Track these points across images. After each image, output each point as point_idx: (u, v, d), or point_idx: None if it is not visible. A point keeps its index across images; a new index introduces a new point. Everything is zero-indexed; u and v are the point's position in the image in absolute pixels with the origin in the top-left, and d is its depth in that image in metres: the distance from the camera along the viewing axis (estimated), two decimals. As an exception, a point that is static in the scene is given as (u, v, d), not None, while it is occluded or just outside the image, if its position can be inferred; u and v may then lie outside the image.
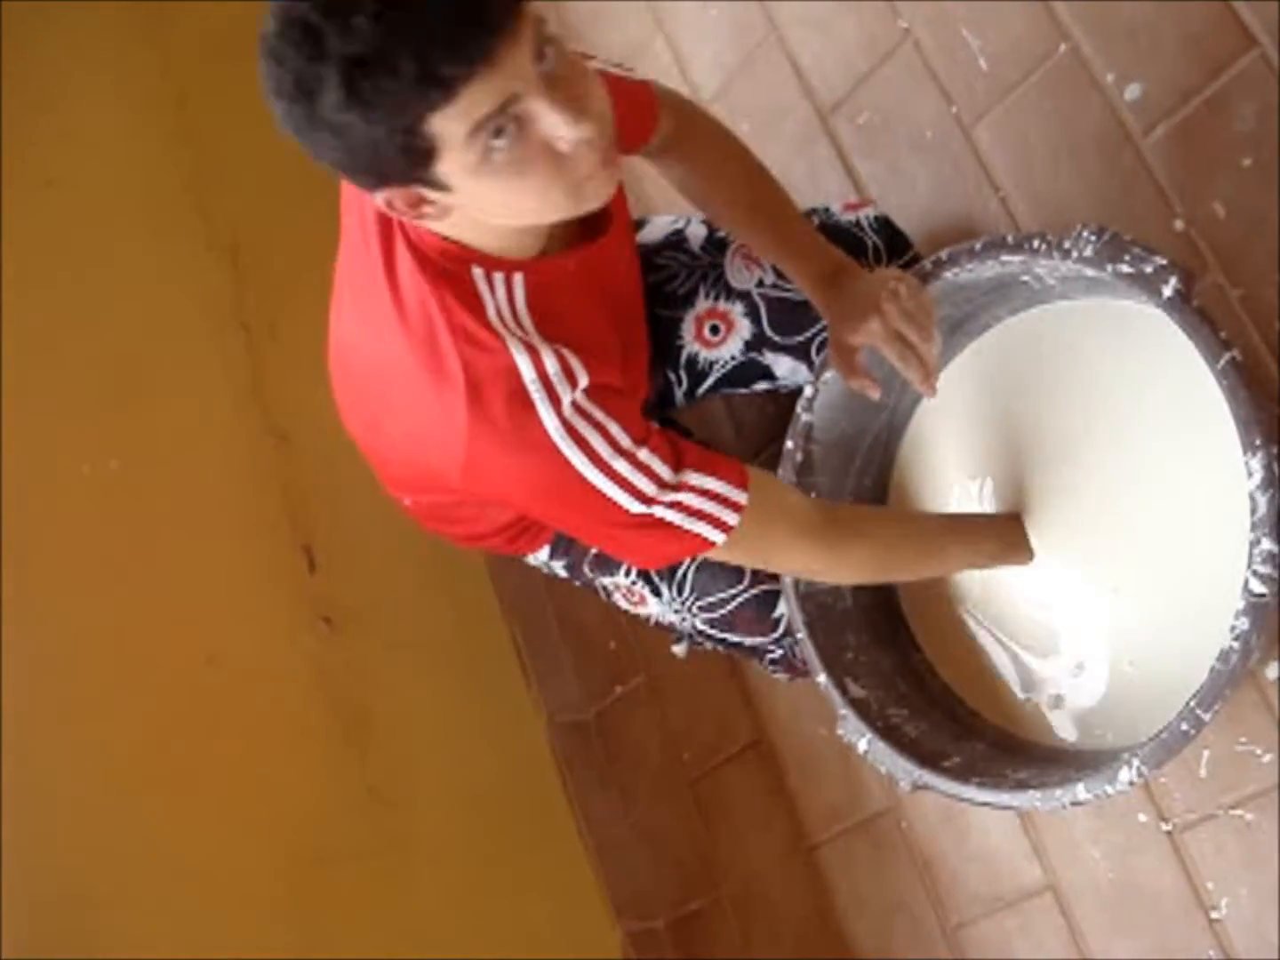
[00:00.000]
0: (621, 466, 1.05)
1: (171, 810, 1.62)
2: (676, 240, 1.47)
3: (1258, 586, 1.07)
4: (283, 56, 0.84)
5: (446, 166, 0.89)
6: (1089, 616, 1.34)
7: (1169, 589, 1.28)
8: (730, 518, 1.11)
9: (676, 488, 1.08)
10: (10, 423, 1.66)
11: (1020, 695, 1.38)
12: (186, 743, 1.66)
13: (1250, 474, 1.08)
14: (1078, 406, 1.35)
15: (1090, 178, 1.44)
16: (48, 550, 1.65)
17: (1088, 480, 1.35)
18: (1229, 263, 1.33)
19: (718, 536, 1.11)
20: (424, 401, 1.05)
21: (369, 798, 1.78)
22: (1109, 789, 1.14)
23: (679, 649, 1.69)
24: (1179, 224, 1.37)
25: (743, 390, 1.49)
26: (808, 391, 1.39)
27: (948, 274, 1.28)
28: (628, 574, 1.42)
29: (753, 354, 1.44)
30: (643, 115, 1.28)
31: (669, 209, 1.54)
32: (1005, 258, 1.24)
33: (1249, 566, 1.08)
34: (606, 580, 1.45)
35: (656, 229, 1.50)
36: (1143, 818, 1.38)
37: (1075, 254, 1.18)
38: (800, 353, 1.42)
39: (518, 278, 1.05)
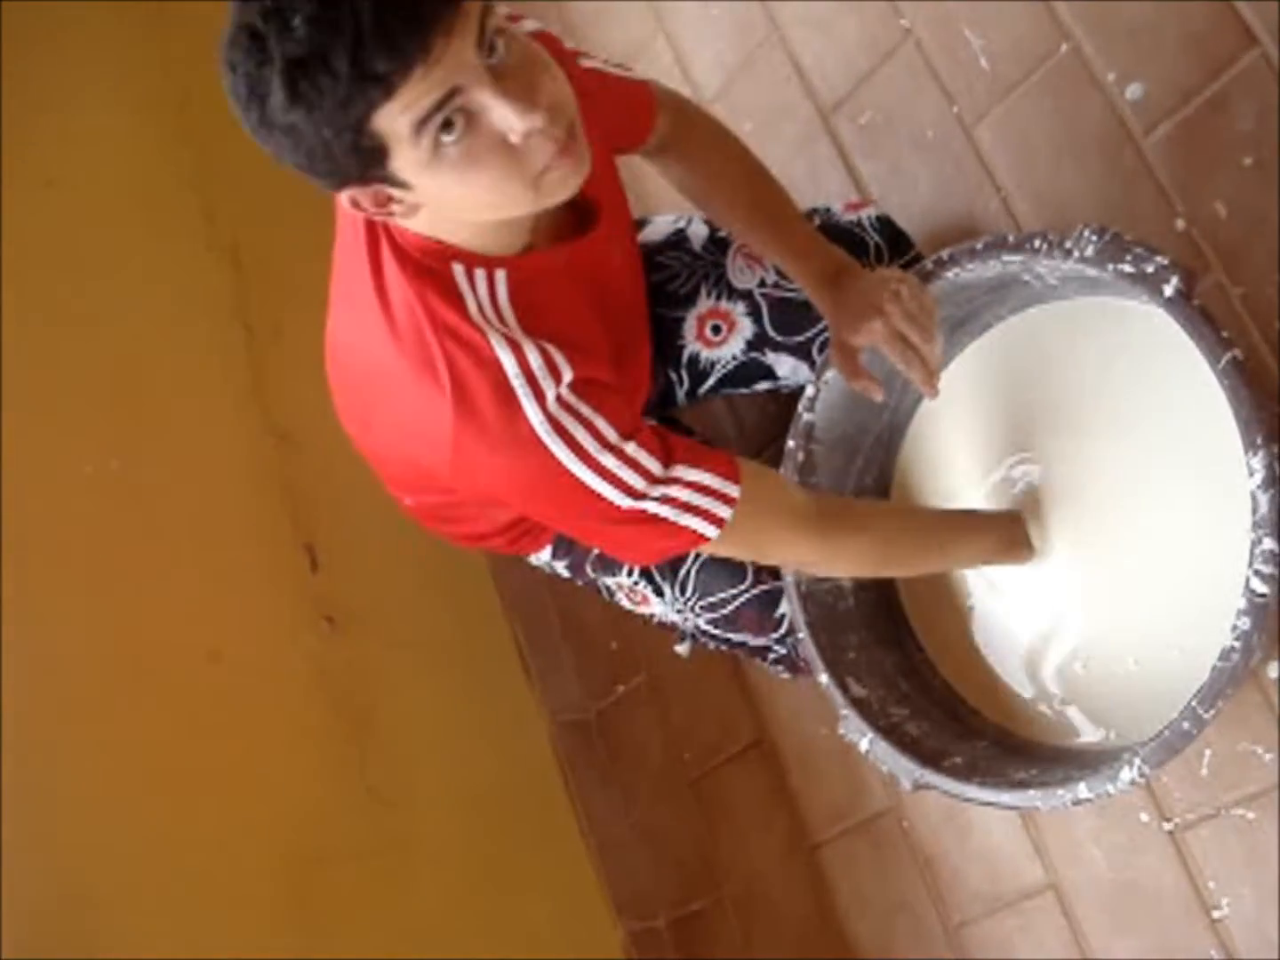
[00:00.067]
0: (609, 461, 1.05)
1: (171, 810, 1.62)
2: (678, 240, 1.47)
3: (1259, 586, 1.07)
4: (234, 62, 0.86)
5: (399, 163, 0.90)
6: (1090, 616, 1.34)
7: (1171, 588, 1.28)
8: (723, 511, 1.11)
9: (666, 482, 1.08)
10: (11, 423, 1.66)
11: (1022, 694, 1.38)
12: (187, 742, 1.66)
13: (1251, 473, 1.08)
14: (1079, 406, 1.35)
15: (1091, 177, 1.44)
16: (48, 550, 1.65)
17: (1088, 479, 1.35)
18: (1230, 262, 1.33)
19: (710, 530, 1.11)
20: (411, 399, 1.05)
21: (370, 797, 1.77)
22: (1110, 788, 1.14)
23: (682, 648, 1.69)
24: (1180, 223, 1.37)
25: (744, 390, 1.49)
26: (809, 391, 1.39)
27: (949, 274, 1.28)
28: (630, 574, 1.42)
29: (754, 354, 1.44)
30: (640, 115, 1.28)
31: (670, 209, 1.54)
32: (1007, 257, 1.25)
33: (1250, 565, 1.08)
34: (609, 580, 1.45)
35: (658, 229, 1.50)
36: (1144, 817, 1.38)
37: (1076, 253, 1.18)
38: (802, 352, 1.42)
39: (500, 274, 1.04)
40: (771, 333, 1.42)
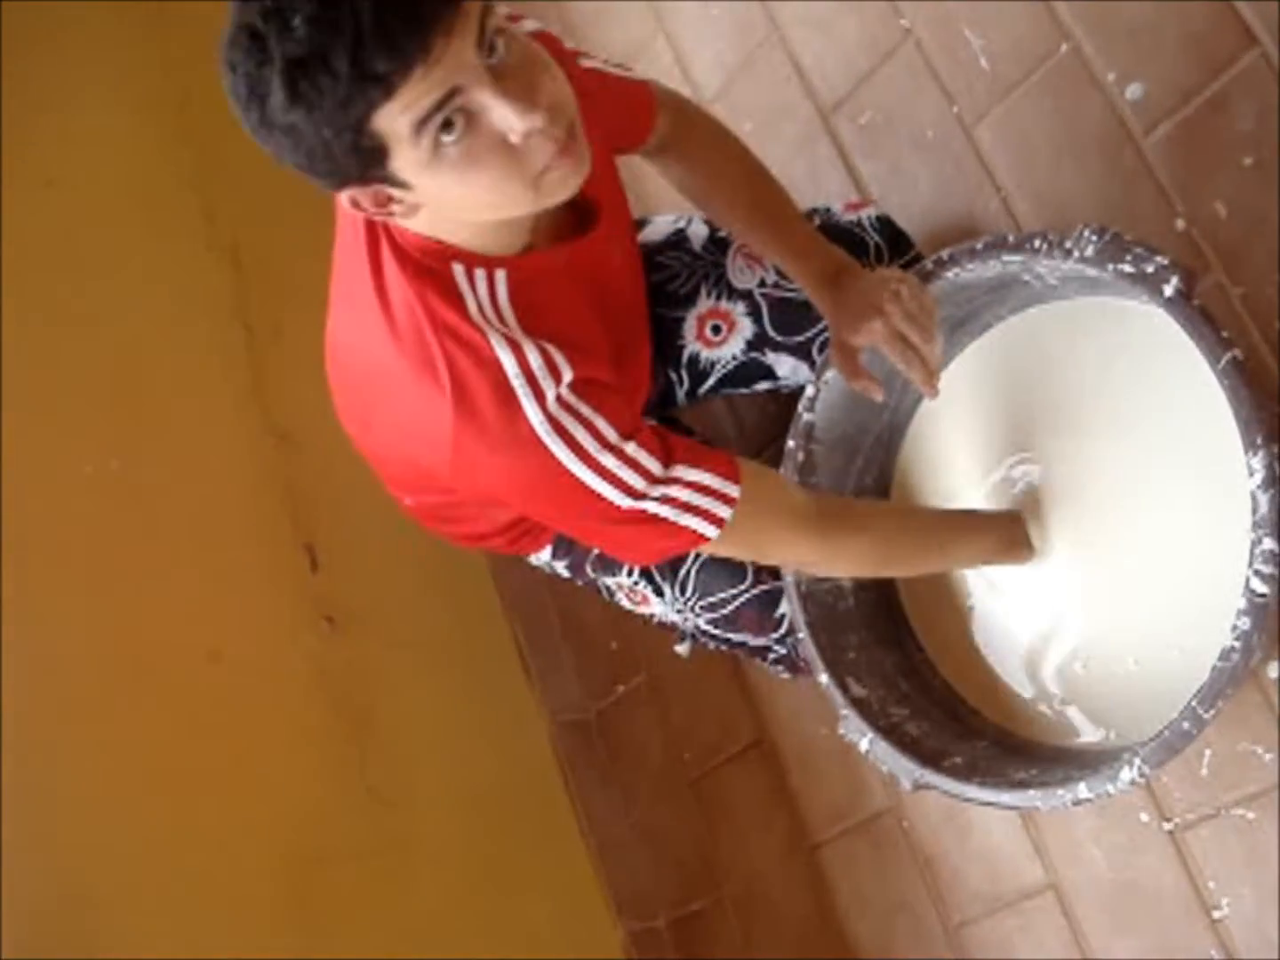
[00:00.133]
0: (608, 461, 1.05)
1: (171, 810, 1.62)
2: (678, 240, 1.47)
3: (1259, 586, 1.07)
4: (234, 62, 0.86)
5: (399, 163, 0.90)
6: (1090, 616, 1.34)
7: (1171, 588, 1.28)
8: (723, 511, 1.11)
9: (666, 482, 1.08)
10: (11, 423, 1.66)
11: (1022, 694, 1.38)
12: (187, 742, 1.66)
13: (1251, 473, 1.08)
14: (1079, 406, 1.35)
15: (1091, 177, 1.44)
16: (48, 550, 1.65)
17: (1088, 479, 1.35)
18: (1230, 262, 1.33)
19: (710, 530, 1.11)
20: (411, 399, 1.05)
21: (370, 797, 1.77)
22: (1110, 788, 1.14)
23: (682, 648, 1.69)
24: (1180, 223, 1.37)
25: (744, 390, 1.49)
26: (809, 391, 1.39)
27: (949, 274, 1.28)
28: (630, 574, 1.42)
29: (754, 354, 1.44)
30: (639, 115, 1.28)
31: (670, 209, 1.54)
32: (1006, 257, 1.25)
33: (1250, 565, 1.08)
34: (609, 580, 1.45)
35: (658, 229, 1.50)
36: (1144, 817, 1.38)
37: (1076, 253, 1.18)
38: (802, 352, 1.42)
39: (500, 274, 1.04)
40: (771, 333, 1.42)
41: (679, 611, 1.43)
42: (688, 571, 1.40)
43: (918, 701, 1.39)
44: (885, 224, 1.43)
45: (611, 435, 1.05)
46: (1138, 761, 1.12)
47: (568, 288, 1.12)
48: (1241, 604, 1.08)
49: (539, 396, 1.02)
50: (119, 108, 1.95)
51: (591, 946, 1.89)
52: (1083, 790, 1.15)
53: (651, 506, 1.08)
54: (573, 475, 1.04)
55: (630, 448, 1.06)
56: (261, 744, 1.72)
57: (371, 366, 1.09)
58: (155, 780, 1.62)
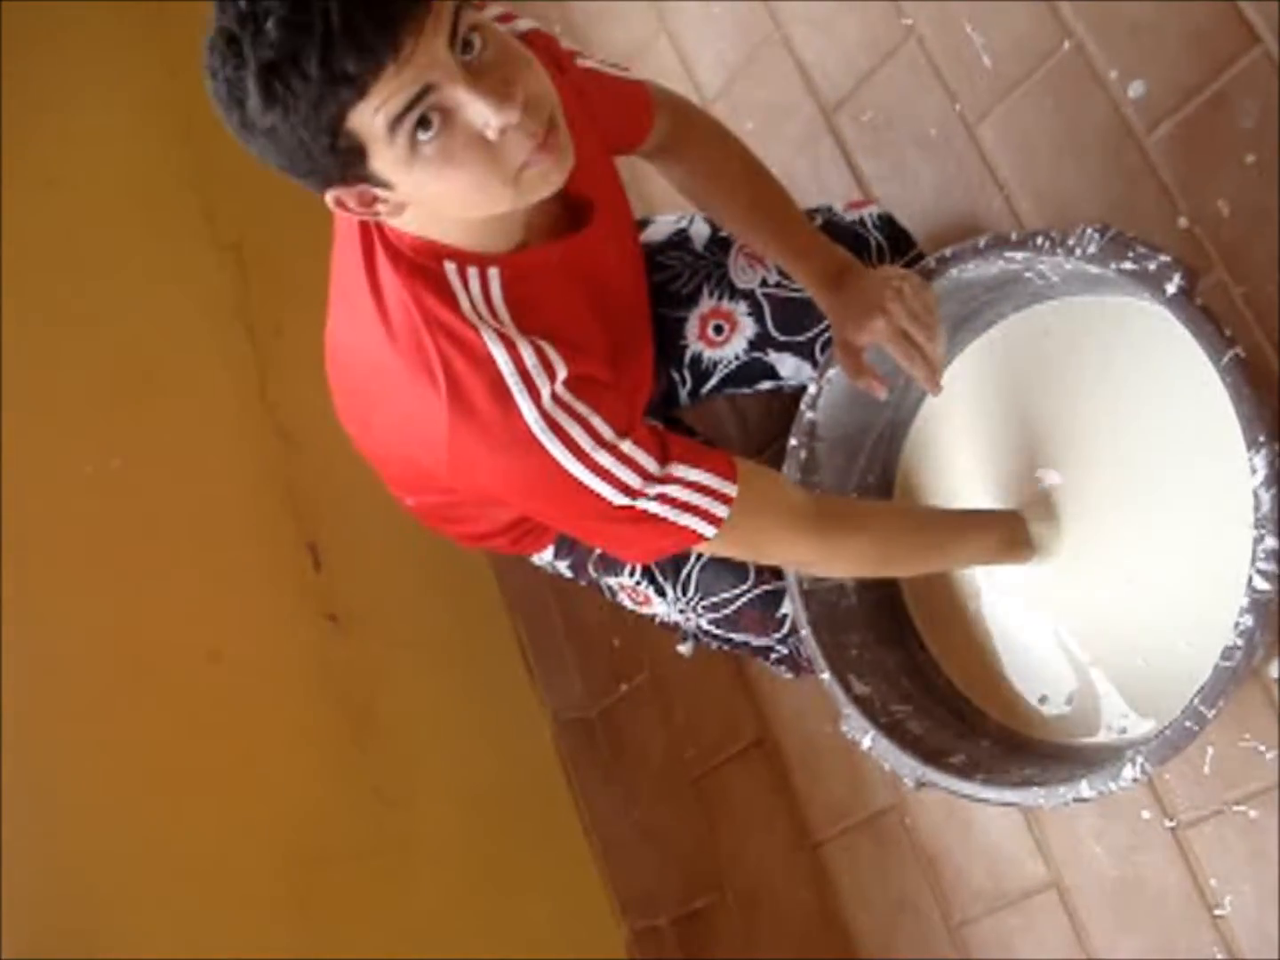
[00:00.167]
0: (604, 459, 1.04)
1: (172, 810, 1.62)
2: (680, 239, 1.47)
3: (1261, 583, 1.07)
4: (214, 68, 0.87)
5: (378, 163, 0.90)
6: (1092, 615, 1.34)
7: (1173, 586, 1.28)
8: (719, 510, 1.10)
9: (663, 480, 1.08)
10: (12, 422, 1.66)
11: (1024, 692, 1.38)
12: (189, 742, 1.66)
13: (1254, 471, 1.08)
14: (1081, 404, 1.35)
15: (1094, 175, 1.44)
16: (49, 550, 1.65)
17: (1091, 477, 1.35)
18: (1232, 260, 1.33)
19: (708, 530, 1.11)
20: (407, 398, 1.05)
21: (372, 797, 1.77)
22: (1113, 786, 1.14)
23: (685, 648, 1.69)
24: (1183, 221, 1.37)
25: (747, 390, 1.49)
26: (811, 389, 1.39)
27: (951, 272, 1.28)
28: (632, 574, 1.42)
29: (756, 353, 1.44)
30: (637, 115, 1.28)
31: (672, 209, 1.54)
32: (1009, 255, 1.25)
33: (1253, 563, 1.08)
34: (611, 580, 1.45)
35: (660, 228, 1.49)
36: (1146, 815, 1.38)
37: (1079, 251, 1.18)
38: (804, 351, 1.42)
39: (492, 271, 1.04)
40: (774, 332, 1.42)
41: (681, 612, 1.43)
42: (690, 572, 1.40)
43: (920, 700, 1.39)
44: (887, 222, 1.43)
45: (607, 433, 1.05)
46: (1140, 759, 1.12)
47: (563, 285, 1.12)
48: (1244, 602, 1.07)
49: (534, 394, 1.02)
50: (119, 108, 1.95)
51: (594, 945, 1.89)
52: (1085, 788, 1.15)
53: (648, 505, 1.08)
54: (568, 473, 1.04)
55: (626, 445, 1.06)
56: (262, 743, 1.72)
57: (369, 366, 1.09)
58: (155, 780, 1.62)
